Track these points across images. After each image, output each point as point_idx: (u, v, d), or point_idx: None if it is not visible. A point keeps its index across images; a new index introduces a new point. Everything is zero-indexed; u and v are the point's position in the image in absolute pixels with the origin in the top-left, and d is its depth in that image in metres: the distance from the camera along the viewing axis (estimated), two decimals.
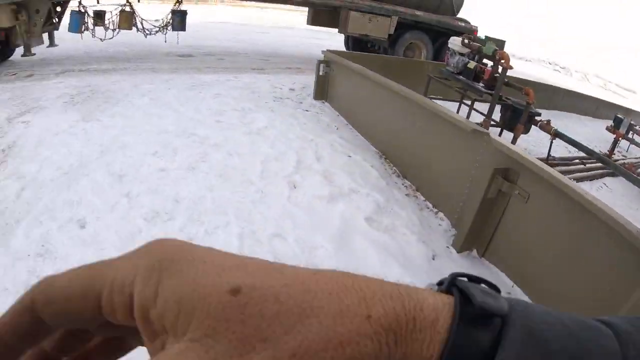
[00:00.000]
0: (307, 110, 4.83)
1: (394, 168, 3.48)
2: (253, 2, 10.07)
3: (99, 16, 7.77)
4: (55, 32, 8.17)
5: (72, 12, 7.49)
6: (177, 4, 8.07)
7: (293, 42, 11.66)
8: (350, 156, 3.52)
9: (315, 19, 8.88)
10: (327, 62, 4.90)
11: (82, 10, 7.60)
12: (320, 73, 4.88)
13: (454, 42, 4.70)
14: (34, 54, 7.44)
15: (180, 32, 8.11)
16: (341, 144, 3.79)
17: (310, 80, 6.03)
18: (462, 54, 4.56)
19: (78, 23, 7.51)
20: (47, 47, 8.30)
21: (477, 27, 7.56)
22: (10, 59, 7.91)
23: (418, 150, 3.16)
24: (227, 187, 2.97)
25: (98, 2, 7.89)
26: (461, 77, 4.52)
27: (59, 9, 7.78)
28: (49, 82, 6.22)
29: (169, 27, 8.03)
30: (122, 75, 6.81)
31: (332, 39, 12.27)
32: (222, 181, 3.08)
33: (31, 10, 6.79)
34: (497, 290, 0.19)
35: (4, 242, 2.68)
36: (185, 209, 2.84)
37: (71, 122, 4.53)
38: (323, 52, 5.15)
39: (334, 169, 3.24)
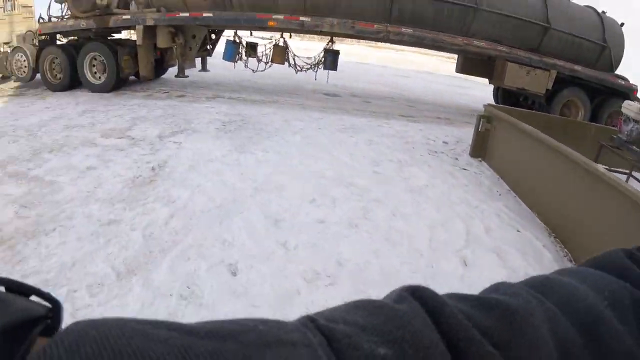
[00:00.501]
0: (465, 169, 5.93)
1: (566, 250, 3.98)
2: (395, 45, 12.13)
3: (253, 48, 10.66)
4: (208, 58, 11.45)
5: (228, 41, 10.40)
6: (330, 44, 10.48)
7: (437, 89, 14.21)
8: (519, 231, 4.17)
9: (465, 67, 10.71)
10: (488, 118, 6.04)
11: (237, 41, 10.55)
12: (480, 129, 5.97)
13: (630, 107, 5.54)
14: (187, 76, 10.44)
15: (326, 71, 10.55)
16: (507, 214, 4.53)
17: (462, 133, 7.52)
18: (637, 122, 5.40)
19: (233, 52, 10.38)
20: (199, 71, 11.61)
21: (636, 87, 9.56)
22: (163, 77, 11.42)
23: (599, 237, 3.55)
24: (394, 255, 3.52)
25: (251, 34, 10.82)
26: (635, 147, 5.32)
27: (213, 36, 11.00)
28: (201, 105, 8.47)
29: (320, 66, 10.48)
30: (272, 108, 8.78)
31: (477, 88, 15.06)
32: (388, 246, 3.65)
33: (188, 35, 9.78)
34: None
35: (147, 273, 3.45)
36: (349, 274, 3.29)
37: (224, 151, 5.93)
38: (485, 106, 6.20)
39: (506, 245, 3.84)
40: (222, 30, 10.97)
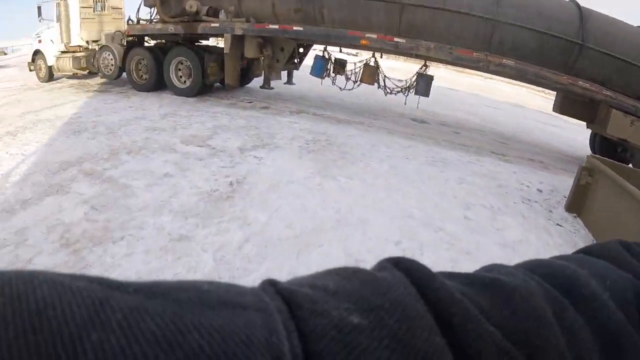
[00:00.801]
0: (559, 225, 5.73)
1: None
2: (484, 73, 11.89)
3: (341, 65, 10.91)
4: (295, 71, 11.85)
5: (317, 56, 10.73)
6: (424, 68, 10.36)
7: (528, 125, 14.17)
8: None
9: (564, 107, 10.12)
10: (590, 170, 5.97)
11: (327, 57, 10.82)
12: (580, 182, 5.99)
13: None
14: (272, 88, 10.81)
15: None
16: None
17: (556, 181, 7.43)
18: None
19: (321, 68, 10.68)
20: (285, 83, 12.04)
21: None
22: (247, 86, 11.95)
23: None
24: None
25: (340, 51, 11.07)
26: None
27: (301, 50, 11.41)
28: (284, 119, 8.67)
29: (412, 90, 10.42)
30: (358, 130, 8.77)
31: (570, 129, 14.26)
32: None
33: (276, 47, 10.20)
34: None
35: None
36: None
37: (307, 173, 5.92)
38: (588, 157, 6.23)
39: None
40: (311, 45, 11.42)
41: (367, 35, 8.93)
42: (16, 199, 4.83)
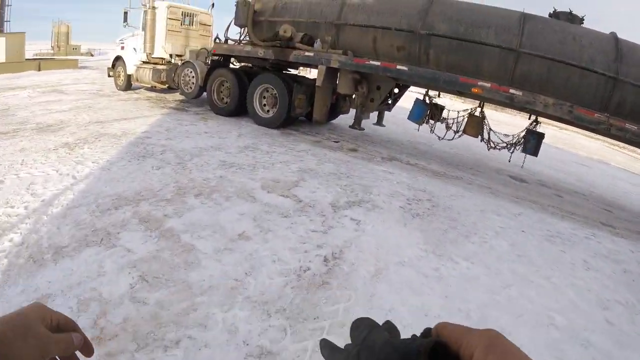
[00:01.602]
0: None
1: None
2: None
3: (440, 111, 9.62)
4: (386, 112, 10.59)
5: (418, 100, 9.43)
6: (535, 124, 8.89)
7: (623, 188, 13.13)
8: None
9: None
10: None
11: (428, 102, 9.51)
12: None
13: None
14: (363, 129, 9.54)
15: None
16: None
17: None
18: None
19: (422, 113, 9.37)
20: (374, 124, 10.77)
21: None
22: (332, 121, 10.78)
23: None
24: None
25: (439, 96, 9.74)
26: None
27: (396, 90, 10.15)
28: (377, 168, 7.33)
29: (519, 147, 9.02)
30: (458, 187, 7.34)
31: None
32: None
33: (372, 84, 8.98)
34: None
35: None
36: None
37: (417, 249, 4.50)
38: None
39: None
40: (408, 86, 10.14)
41: (480, 83, 7.64)
42: (50, 242, 3.71)
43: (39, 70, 21.27)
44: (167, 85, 12.16)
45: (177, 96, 12.74)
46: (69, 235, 3.83)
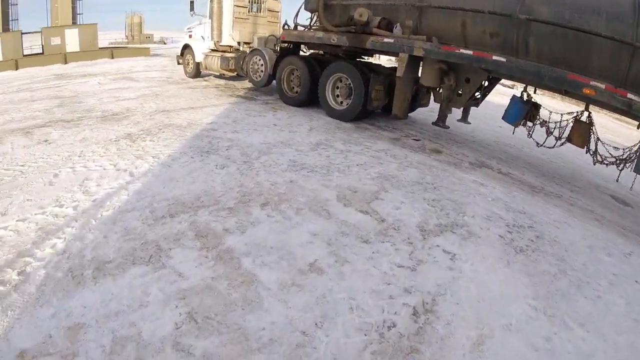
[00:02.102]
0: None
1: None
2: None
3: (537, 110, 8.32)
4: (473, 108, 9.40)
5: (515, 98, 8.21)
6: None
7: None
8: None
9: None
10: None
11: (527, 99, 8.22)
12: None
13: None
14: (448, 127, 8.56)
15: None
16: None
17: None
18: None
19: (519, 114, 8.11)
20: (458, 120, 9.65)
21: None
22: (410, 115, 9.84)
23: None
24: None
25: (535, 92, 8.46)
26: None
27: (486, 84, 8.95)
28: (467, 177, 6.37)
29: (630, 165, 7.45)
30: (560, 210, 6.12)
31: None
32: None
33: (461, 76, 7.88)
34: None
35: None
36: None
37: (526, 306, 3.52)
38: None
39: None
40: (499, 79, 8.87)
41: (593, 83, 6.37)
42: (94, 255, 3.20)
43: (112, 57, 21.76)
44: (235, 73, 11.74)
45: (246, 84, 12.28)
46: (116, 247, 3.29)
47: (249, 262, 3.22)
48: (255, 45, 11.47)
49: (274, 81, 10.12)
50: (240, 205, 4.07)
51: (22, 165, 4.96)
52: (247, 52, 11.08)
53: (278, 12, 12.71)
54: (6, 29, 22.86)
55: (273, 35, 11.39)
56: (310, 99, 9.33)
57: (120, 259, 3.15)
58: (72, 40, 21.91)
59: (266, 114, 8.39)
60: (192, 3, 12.14)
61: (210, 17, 11.73)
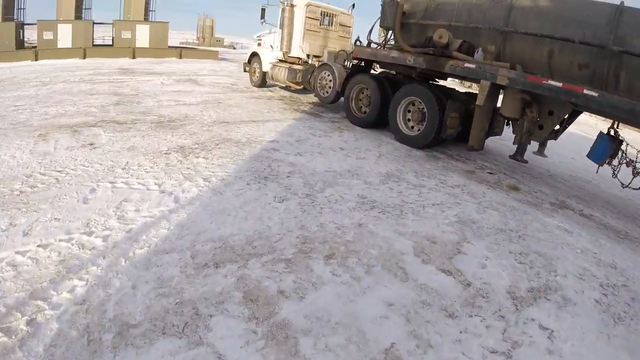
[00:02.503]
0: None
1: None
2: None
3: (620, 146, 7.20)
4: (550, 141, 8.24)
5: (603, 135, 7.13)
6: None
7: None
8: None
9: None
10: None
11: (615, 136, 7.15)
12: None
13: None
14: (526, 162, 7.52)
15: None
16: None
17: None
18: None
19: (605, 152, 7.06)
20: (534, 153, 8.52)
21: None
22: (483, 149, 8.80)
23: None
24: None
25: (617, 126, 7.34)
26: None
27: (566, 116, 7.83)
28: (549, 221, 5.39)
29: None
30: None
31: None
32: None
33: (543, 108, 6.89)
34: None
35: None
36: None
37: None
38: None
39: None
40: (581, 112, 7.75)
41: None
42: (117, 312, 2.56)
43: (180, 57, 21.86)
44: (302, 86, 11.14)
45: (312, 98, 11.66)
46: (145, 305, 2.61)
47: (308, 345, 2.44)
48: (324, 59, 10.83)
49: (342, 98, 9.44)
50: (300, 257, 3.31)
51: (59, 171, 4.47)
52: (316, 66, 10.46)
53: (350, 27, 12.04)
54: (78, 17, 23.50)
55: (343, 51, 10.72)
56: (379, 121, 8.60)
57: (147, 324, 2.46)
58: (142, 35, 22.21)
59: (332, 134, 7.67)
60: (263, 10, 11.69)
61: (281, 26, 11.23)
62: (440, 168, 6.76)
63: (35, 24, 21.03)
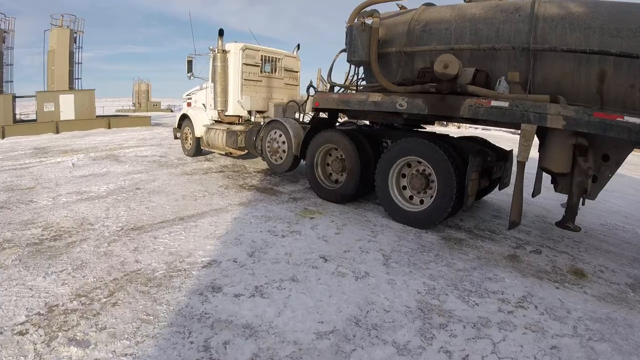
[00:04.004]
0: None
1: None
2: None
3: None
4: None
5: None
6: None
7: None
8: None
9: None
10: None
11: None
12: None
13: None
14: (579, 229, 5.15)
15: None
16: None
17: None
18: None
19: None
20: (562, 205, 6.25)
21: None
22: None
23: None
24: None
25: None
26: None
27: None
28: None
29: None
30: None
31: None
32: None
33: (598, 153, 4.70)
34: None
35: None
36: None
37: None
38: None
39: None
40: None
41: None
42: None
43: (109, 127, 18.75)
44: (245, 152, 8.46)
45: (259, 163, 9.01)
46: None
47: None
48: (271, 114, 8.26)
49: (305, 165, 6.78)
50: None
51: None
52: (262, 124, 7.85)
53: (297, 72, 9.58)
54: None
55: (294, 101, 8.24)
56: (358, 191, 6.05)
57: None
58: (66, 106, 18.95)
59: (300, 226, 5.01)
60: (189, 62, 9.03)
61: (213, 80, 8.53)
62: (477, 263, 4.28)
63: None
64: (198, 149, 9.55)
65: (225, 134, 8.25)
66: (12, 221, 4.95)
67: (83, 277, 3.48)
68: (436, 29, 5.43)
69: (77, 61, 22.06)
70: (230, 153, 8.78)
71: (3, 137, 15.89)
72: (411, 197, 5.44)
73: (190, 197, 6.14)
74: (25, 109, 22.90)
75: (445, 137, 5.75)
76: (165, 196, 6.14)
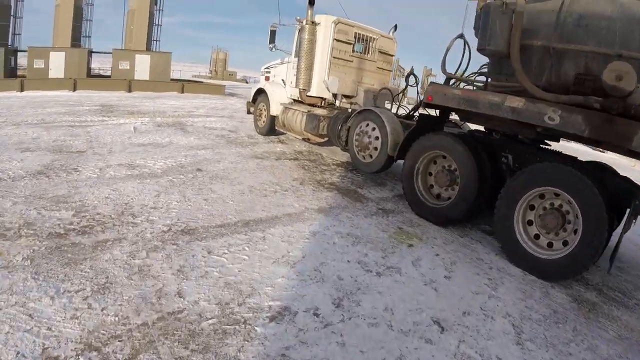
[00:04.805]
0: None
1: None
2: None
3: None
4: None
5: None
6: None
7: None
8: None
9: None
10: None
11: None
12: None
13: None
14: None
15: None
16: None
17: None
18: None
19: None
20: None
21: None
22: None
23: None
24: None
25: None
26: None
27: None
28: None
29: None
30: None
31: None
32: None
33: None
34: None
35: None
36: None
37: None
38: None
39: None
40: None
41: None
42: None
43: (182, 92, 18.11)
44: (325, 139, 7.18)
45: (339, 153, 7.71)
46: None
47: None
48: (360, 101, 6.90)
49: (400, 167, 5.42)
50: None
51: None
52: (349, 111, 6.51)
53: (392, 55, 8.10)
54: (75, 45, 19.98)
55: (387, 89, 6.81)
56: (470, 214, 4.59)
57: None
58: (142, 66, 18.55)
59: (399, 260, 3.67)
60: (272, 32, 7.78)
61: (297, 54, 7.25)
62: (620, 348, 2.87)
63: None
64: (272, 128, 8.37)
65: (305, 116, 6.99)
66: (44, 194, 4.00)
67: (102, 310, 2.37)
68: (595, 26, 3.75)
69: (156, 23, 21.58)
70: (308, 139, 7.55)
71: (74, 90, 15.65)
72: (537, 236, 3.94)
73: (259, 190, 4.95)
74: (103, 65, 22.82)
75: (603, 168, 4.20)
76: (230, 185, 5.00)
